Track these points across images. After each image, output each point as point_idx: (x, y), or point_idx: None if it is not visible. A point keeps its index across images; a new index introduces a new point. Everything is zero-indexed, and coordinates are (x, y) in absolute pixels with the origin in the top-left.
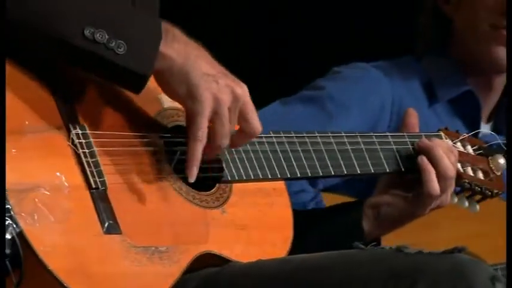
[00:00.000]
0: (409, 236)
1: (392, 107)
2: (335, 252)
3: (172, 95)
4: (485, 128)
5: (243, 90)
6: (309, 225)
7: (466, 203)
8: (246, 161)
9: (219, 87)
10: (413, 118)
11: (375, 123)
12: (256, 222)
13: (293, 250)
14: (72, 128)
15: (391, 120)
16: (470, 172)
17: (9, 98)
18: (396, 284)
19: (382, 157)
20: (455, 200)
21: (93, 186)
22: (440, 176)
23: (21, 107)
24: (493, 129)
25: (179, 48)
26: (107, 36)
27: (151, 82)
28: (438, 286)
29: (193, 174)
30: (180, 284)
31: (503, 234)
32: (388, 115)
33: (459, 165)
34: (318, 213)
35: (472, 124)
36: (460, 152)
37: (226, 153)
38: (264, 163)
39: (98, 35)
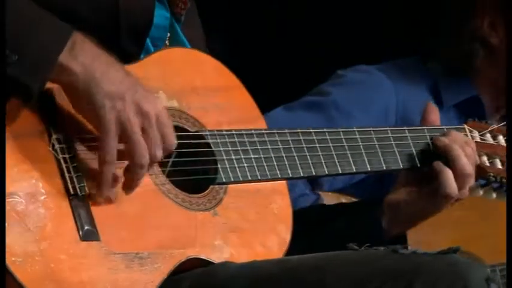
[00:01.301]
0: (411, 236)
1: (396, 110)
2: (331, 253)
3: (81, 114)
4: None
5: (152, 105)
6: (327, 221)
7: (494, 195)
8: (243, 161)
9: (124, 105)
10: (434, 114)
11: None
12: (251, 224)
13: (308, 245)
14: (53, 133)
15: (396, 123)
16: (499, 164)
17: None
18: (393, 286)
19: (397, 153)
20: (481, 193)
21: (72, 192)
22: (458, 175)
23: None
24: None
25: (84, 63)
26: None
27: (146, 81)
28: (434, 287)
29: (104, 198)
30: (174, 283)
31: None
32: (393, 119)
33: (485, 158)
34: (337, 209)
35: None
36: (487, 144)
37: (223, 153)
38: (264, 162)
39: None
